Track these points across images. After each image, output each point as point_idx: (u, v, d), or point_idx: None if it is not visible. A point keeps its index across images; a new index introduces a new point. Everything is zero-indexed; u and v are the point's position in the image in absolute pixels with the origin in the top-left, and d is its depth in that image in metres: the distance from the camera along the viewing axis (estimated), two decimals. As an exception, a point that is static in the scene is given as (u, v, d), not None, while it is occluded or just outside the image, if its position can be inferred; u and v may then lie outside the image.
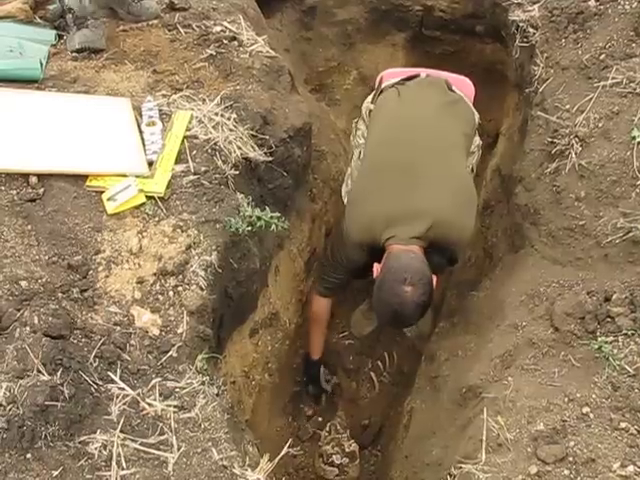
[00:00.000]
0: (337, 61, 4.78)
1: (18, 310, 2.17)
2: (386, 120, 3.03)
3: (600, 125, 2.77)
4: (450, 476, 2.28)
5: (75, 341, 2.18)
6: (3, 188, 2.47)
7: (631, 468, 2.01)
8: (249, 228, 2.63)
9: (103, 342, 2.22)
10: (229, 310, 2.78)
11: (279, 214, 2.76)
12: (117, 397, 2.13)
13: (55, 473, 1.96)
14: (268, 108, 3.02)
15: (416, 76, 3.17)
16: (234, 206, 2.62)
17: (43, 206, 2.45)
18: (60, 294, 2.27)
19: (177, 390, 2.19)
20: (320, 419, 3.71)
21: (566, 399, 2.26)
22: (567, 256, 2.77)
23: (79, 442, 2.03)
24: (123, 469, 2.00)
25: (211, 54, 3.10)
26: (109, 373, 2.17)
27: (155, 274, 2.40)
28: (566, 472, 2.05)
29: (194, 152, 2.71)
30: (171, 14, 3.28)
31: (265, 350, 3.44)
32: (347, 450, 3.44)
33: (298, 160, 3.29)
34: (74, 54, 3.03)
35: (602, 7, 3.03)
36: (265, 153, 2.93)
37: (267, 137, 2.96)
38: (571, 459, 2.08)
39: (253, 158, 2.86)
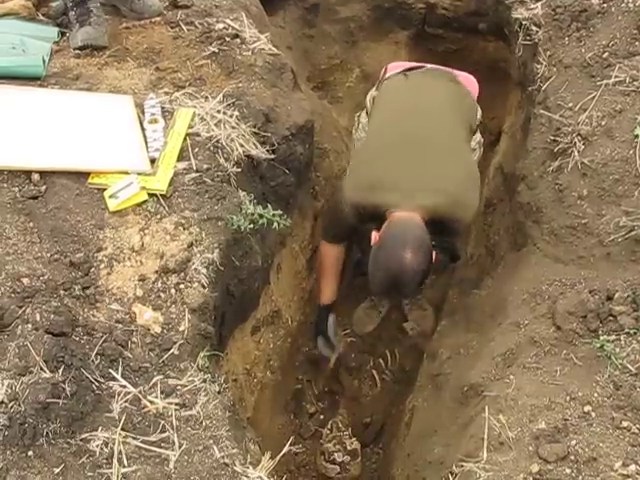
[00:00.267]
0: (340, 59, 4.78)
1: (20, 307, 2.18)
2: (395, 96, 3.04)
3: (603, 123, 2.76)
4: (451, 474, 2.28)
5: (77, 338, 2.18)
6: (5, 185, 2.47)
7: (633, 467, 2.01)
8: (251, 226, 2.63)
9: (105, 339, 2.22)
10: (231, 308, 2.78)
11: (281, 212, 2.75)
12: (119, 394, 2.13)
13: (56, 470, 1.96)
14: (270, 106, 3.02)
15: (422, 67, 3.17)
16: (236, 204, 2.62)
17: (45, 203, 2.45)
18: (62, 291, 2.27)
19: (179, 388, 2.19)
20: (322, 417, 3.71)
21: (568, 398, 2.25)
22: (569, 254, 2.76)
23: (80, 439, 2.04)
24: (124, 467, 2.00)
25: (213, 51, 3.10)
26: (111, 370, 2.17)
27: (157, 272, 2.40)
28: (568, 471, 2.05)
29: (196, 149, 2.71)
30: (174, 11, 3.28)
31: (267, 348, 3.44)
32: (349, 448, 3.43)
33: (300, 158, 3.29)
34: (77, 51, 3.03)
35: (605, 5, 3.03)
36: (267, 151, 2.93)
37: (269, 135, 2.96)
38: (573, 458, 2.08)
39: (255, 156, 2.86)
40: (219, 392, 2.24)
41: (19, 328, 2.13)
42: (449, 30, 4.50)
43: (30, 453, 1.97)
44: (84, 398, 2.08)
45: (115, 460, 2.00)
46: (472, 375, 2.72)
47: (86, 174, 2.57)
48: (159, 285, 2.38)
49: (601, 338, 2.37)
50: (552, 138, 2.90)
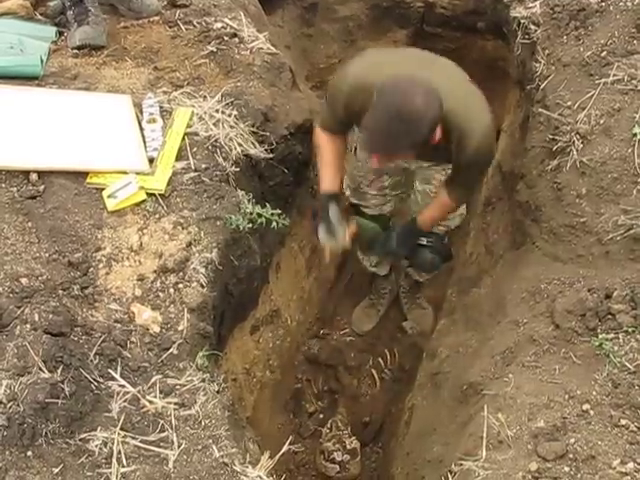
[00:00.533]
0: (338, 58, 4.77)
1: (19, 307, 2.18)
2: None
3: (601, 122, 2.76)
4: (450, 473, 2.28)
5: (75, 338, 2.18)
6: (3, 185, 2.47)
7: (631, 465, 2.01)
8: (250, 225, 2.63)
9: (104, 339, 2.22)
10: (230, 307, 2.78)
11: (280, 211, 2.76)
12: (117, 394, 2.14)
13: (55, 470, 1.96)
14: (269, 105, 3.02)
15: None
16: (235, 203, 2.62)
17: (43, 203, 2.45)
18: (61, 291, 2.27)
19: (178, 387, 2.19)
20: (321, 416, 3.71)
21: (566, 396, 2.25)
22: (568, 253, 2.76)
23: (79, 439, 2.04)
24: (123, 466, 2.00)
25: (212, 51, 3.10)
26: (109, 370, 2.17)
27: (156, 271, 2.40)
28: (566, 469, 2.05)
29: (195, 149, 2.71)
30: (172, 11, 3.28)
31: (266, 347, 3.44)
32: (348, 447, 3.44)
33: (299, 157, 3.30)
34: (75, 51, 3.03)
35: (603, 4, 3.02)
36: (266, 150, 2.93)
37: (268, 134, 2.96)
38: (571, 456, 2.08)
39: (254, 155, 2.86)
40: (218, 391, 2.24)
41: (18, 328, 2.13)
42: (448, 29, 4.49)
43: (29, 453, 1.97)
44: (83, 398, 2.08)
45: (114, 460, 2.00)
46: (471, 374, 2.73)
47: (84, 174, 2.57)
48: (158, 285, 2.38)
49: (600, 336, 2.37)
50: (551, 137, 2.90)
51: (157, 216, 2.52)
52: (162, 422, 2.11)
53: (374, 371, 3.87)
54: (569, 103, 2.88)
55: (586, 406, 2.20)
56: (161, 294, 2.37)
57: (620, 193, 2.65)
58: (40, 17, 3.16)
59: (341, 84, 2.71)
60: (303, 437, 3.64)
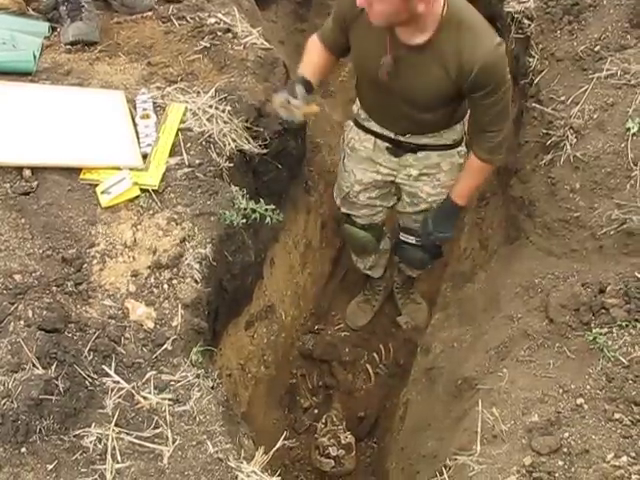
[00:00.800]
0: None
1: (12, 304, 2.17)
2: None
3: (595, 117, 2.77)
4: (445, 468, 2.29)
5: (69, 335, 2.18)
6: (-3, 181, 2.46)
7: (625, 459, 2.02)
8: (244, 221, 2.63)
9: (98, 335, 2.21)
10: (224, 303, 2.78)
11: (274, 206, 2.75)
12: (112, 390, 2.13)
13: (50, 467, 1.96)
14: (263, 100, 3.01)
15: None
16: (229, 199, 2.62)
17: (37, 199, 2.44)
18: (54, 287, 2.27)
19: (172, 383, 2.19)
20: (316, 411, 3.72)
21: (561, 390, 2.26)
22: (562, 248, 2.77)
23: (74, 436, 2.04)
24: (118, 462, 2.00)
25: (205, 46, 3.09)
26: (104, 366, 2.17)
27: (150, 267, 2.40)
28: (560, 463, 2.06)
29: (188, 145, 2.70)
30: (165, 6, 3.26)
31: (261, 342, 3.45)
32: (343, 442, 3.45)
33: (293, 152, 3.29)
34: (68, 46, 3.02)
35: (597, -2, 3.03)
36: (260, 145, 2.92)
37: (262, 129, 2.95)
38: (565, 450, 2.08)
39: (248, 150, 2.86)
40: (213, 387, 2.24)
41: (11, 325, 2.13)
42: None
43: (23, 450, 1.97)
44: (77, 394, 2.07)
45: (109, 456, 2.00)
46: (466, 369, 2.73)
47: (78, 170, 2.56)
48: (152, 281, 2.38)
49: (594, 331, 2.38)
50: (544, 131, 2.90)
51: (151, 212, 2.51)
52: (156, 418, 2.11)
53: (369, 366, 3.87)
54: (563, 98, 2.89)
55: (580, 400, 2.21)
56: (155, 290, 2.37)
57: (614, 187, 2.66)
58: (33, 13, 3.15)
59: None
60: (298, 432, 3.64)
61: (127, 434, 2.06)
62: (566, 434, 2.12)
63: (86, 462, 2.00)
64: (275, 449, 2.23)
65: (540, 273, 2.73)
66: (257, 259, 3.04)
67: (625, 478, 1.98)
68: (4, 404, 1.96)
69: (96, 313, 2.28)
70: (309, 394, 3.78)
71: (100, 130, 2.69)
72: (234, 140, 2.78)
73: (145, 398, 2.14)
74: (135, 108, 2.78)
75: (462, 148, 3.04)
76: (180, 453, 2.06)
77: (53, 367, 2.06)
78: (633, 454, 2.03)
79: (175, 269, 2.41)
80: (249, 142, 2.87)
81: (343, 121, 3.40)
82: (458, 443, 2.37)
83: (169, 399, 2.15)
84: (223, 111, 2.81)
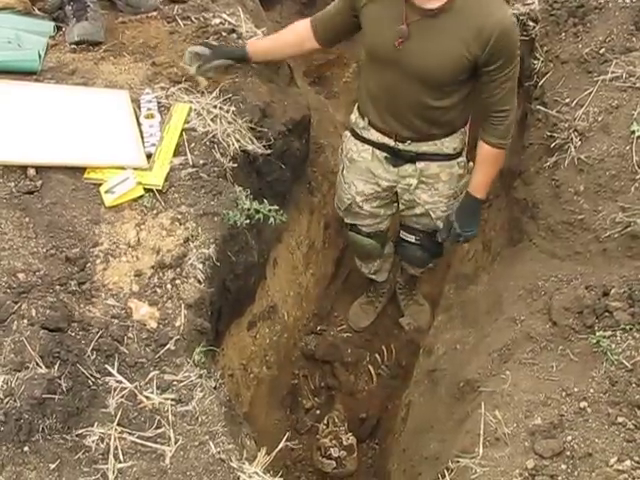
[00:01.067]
0: (336, 54, 4.78)
1: (16, 303, 2.17)
2: None
3: (599, 119, 2.76)
4: (447, 470, 2.28)
5: (73, 334, 2.18)
6: (1, 180, 2.46)
7: (628, 463, 2.01)
8: (247, 221, 2.63)
9: (101, 335, 2.21)
10: (227, 303, 2.78)
11: (277, 207, 2.75)
12: (114, 390, 2.13)
13: (52, 466, 1.96)
14: (267, 101, 3.01)
15: None
16: (232, 199, 2.61)
17: (41, 198, 2.44)
18: (58, 287, 2.26)
19: (175, 383, 2.19)
20: (318, 412, 3.72)
21: (564, 393, 2.26)
22: (566, 250, 2.77)
23: (76, 435, 2.03)
24: (120, 462, 2.00)
25: (210, 46, 3.09)
26: (107, 366, 2.17)
27: (153, 267, 2.40)
28: (563, 466, 2.06)
29: (192, 145, 2.70)
30: (170, 6, 3.27)
31: (263, 343, 3.45)
32: (345, 443, 3.44)
33: (297, 153, 3.29)
34: (73, 46, 3.02)
35: (602, 1, 3.01)
36: (264, 146, 2.92)
37: (266, 130, 2.95)
38: (568, 453, 2.08)
39: (252, 151, 2.86)
40: (215, 387, 2.24)
41: (15, 323, 2.13)
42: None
43: (26, 449, 1.97)
44: (80, 394, 2.07)
45: (111, 456, 2.00)
46: (468, 371, 2.73)
47: (82, 169, 2.57)
48: (155, 280, 2.38)
49: (597, 334, 2.38)
50: (549, 134, 2.90)
51: (155, 212, 2.51)
52: (159, 418, 2.11)
53: (371, 367, 3.87)
54: (567, 100, 2.88)
55: (583, 403, 2.20)
56: (158, 290, 2.37)
57: (618, 190, 2.65)
58: (38, 12, 3.15)
59: None
60: (300, 433, 3.64)
61: (129, 434, 2.06)
62: (569, 437, 2.11)
63: (88, 461, 1.99)
64: (277, 450, 2.23)
65: (543, 275, 2.72)
66: (260, 259, 3.04)
67: (628, 482, 1.98)
68: (7, 403, 1.96)
69: (99, 312, 2.28)
70: (311, 395, 3.78)
71: (104, 130, 2.69)
72: (238, 140, 2.78)
73: (148, 398, 2.13)
74: (139, 108, 2.78)
75: (462, 159, 3.04)
76: (182, 453, 2.05)
77: (56, 366, 2.06)
78: (636, 458, 2.02)
79: (178, 269, 2.41)
80: (253, 142, 2.87)
81: (346, 122, 3.40)
82: (460, 445, 2.36)
83: (172, 399, 2.15)
84: (227, 111, 2.81)
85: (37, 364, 2.03)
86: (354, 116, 3.09)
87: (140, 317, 2.30)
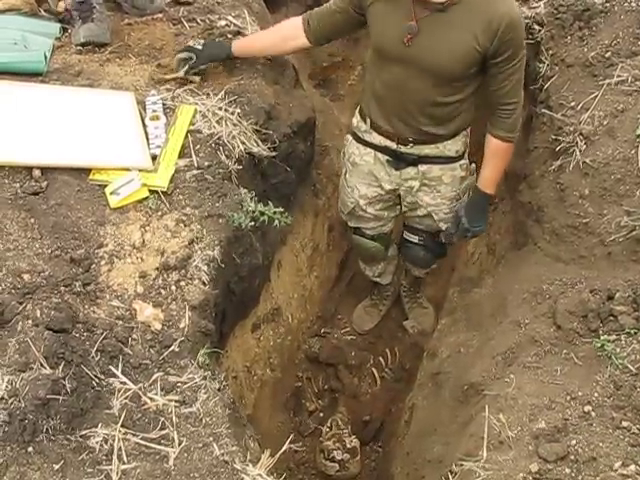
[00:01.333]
0: (341, 56, 4.78)
1: (20, 303, 2.18)
2: None
3: (605, 123, 2.76)
4: (451, 473, 2.28)
5: (77, 335, 2.18)
6: (6, 181, 2.47)
7: (633, 467, 2.01)
8: (252, 223, 2.63)
9: (105, 336, 2.21)
10: (231, 305, 2.78)
11: (282, 209, 2.75)
12: (119, 391, 2.13)
13: (56, 467, 1.96)
14: (272, 103, 3.01)
15: None
16: (237, 201, 2.62)
17: (46, 199, 2.45)
18: (62, 288, 2.27)
19: (179, 385, 2.19)
20: (321, 415, 3.72)
21: (568, 397, 2.25)
22: (570, 254, 2.76)
23: (80, 436, 2.04)
24: (124, 463, 2.00)
25: (216, 49, 3.09)
26: (111, 367, 2.17)
27: (158, 268, 2.40)
28: (567, 470, 2.05)
29: (198, 146, 2.71)
30: (176, 8, 3.27)
31: (267, 345, 3.45)
32: (348, 446, 3.44)
33: (302, 155, 3.29)
34: (78, 47, 3.02)
35: (608, 4, 3.01)
36: (269, 148, 2.92)
37: (271, 132, 2.95)
38: (572, 457, 2.07)
39: (257, 153, 2.86)
40: (219, 389, 2.24)
41: (19, 324, 2.13)
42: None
43: (30, 449, 1.97)
44: (84, 394, 2.07)
45: (115, 457, 2.00)
46: (472, 374, 2.73)
47: (87, 170, 2.57)
48: (160, 282, 2.38)
49: (602, 338, 2.37)
50: (554, 137, 2.90)
51: (159, 213, 2.52)
52: (163, 419, 2.11)
53: (375, 370, 3.87)
54: (573, 104, 2.88)
55: (587, 407, 2.20)
56: (163, 291, 2.37)
57: (623, 194, 2.65)
58: (44, 13, 3.16)
59: None
60: (303, 435, 3.64)
61: (133, 435, 2.06)
62: (573, 441, 2.11)
63: (92, 462, 2.00)
64: (281, 452, 2.23)
65: (548, 279, 2.72)
66: (265, 262, 3.04)
67: (632, 487, 1.97)
68: (11, 403, 1.96)
69: (104, 314, 2.28)
70: (315, 397, 3.78)
71: (110, 131, 2.69)
72: (243, 142, 2.79)
73: (152, 399, 2.14)
74: (145, 109, 2.79)
75: (464, 161, 3.04)
76: (186, 455, 2.05)
77: (60, 367, 2.06)
78: (641, 462, 2.02)
79: (183, 271, 2.41)
80: (258, 145, 2.87)
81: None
82: (464, 449, 2.36)
83: (176, 400, 2.15)
84: (232, 113, 2.81)
85: (41, 365, 2.04)
86: (356, 119, 3.10)
87: (144, 318, 2.30)
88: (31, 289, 2.21)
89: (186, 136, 2.72)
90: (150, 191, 2.54)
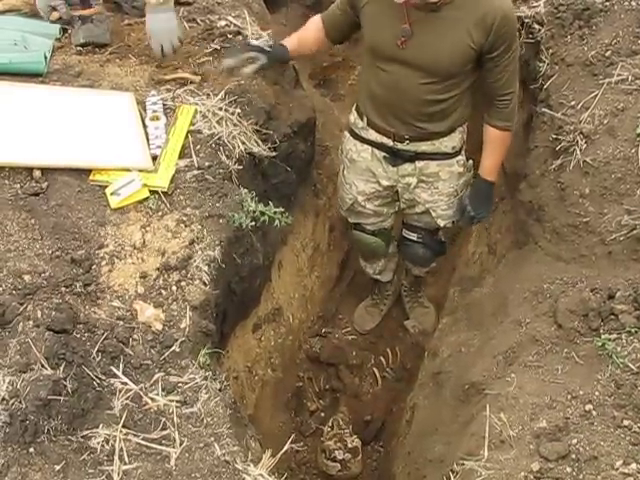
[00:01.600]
0: (341, 56, 4.78)
1: (21, 304, 2.18)
2: None
3: (605, 122, 2.76)
4: (452, 472, 2.28)
5: (78, 335, 2.18)
6: (7, 182, 2.47)
7: (634, 466, 2.01)
8: (253, 223, 2.63)
9: (106, 336, 2.21)
10: (232, 305, 2.78)
11: (283, 209, 2.75)
12: (120, 392, 2.13)
13: (57, 467, 1.96)
14: (272, 103, 3.01)
15: None
16: (238, 201, 2.62)
17: (47, 200, 2.45)
18: (63, 288, 2.27)
19: (180, 385, 2.19)
20: (323, 414, 3.72)
21: (569, 396, 2.25)
22: (571, 253, 2.76)
23: (81, 436, 2.04)
24: (125, 464, 2.00)
25: (215, 48, 3.09)
26: (112, 367, 2.17)
27: (158, 269, 2.40)
28: (568, 469, 2.05)
29: (198, 147, 2.71)
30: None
31: (268, 345, 3.45)
32: (349, 446, 3.44)
33: (302, 155, 3.30)
34: (78, 48, 3.02)
35: (608, 3, 3.01)
36: (269, 148, 2.93)
37: (271, 132, 2.96)
38: (574, 456, 2.08)
39: (257, 153, 2.86)
40: (220, 389, 2.24)
41: (20, 325, 2.13)
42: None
43: (31, 450, 1.97)
44: (85, 395, 2.07)
45: (116, 457, 2.00)
46: (473, 373, 2.73)
47: (88, 171, 2.57)
48: (160, 282, 2.38)
49: (602, 337, 2.37)
50: (554, 136, 2.90)
51: (160, 214, 2.52)
52: (164, 420, 2.11)
53: (376, 370, 3.87)
54: (573, 103, 2.88)
55: (589, 406, 2.20)
56: (163, 292, 2.37)
57: (624, 193, 2.65)
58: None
59: None
60: (304, 435, 3.64)
61: (134, 435, 2.06)
62: (574, 440, 2.11)
63: (93, 463, 2.00)
64: (282, 452, 2.23)
65: (549, 278, 2.72)
66: (265, 262, 3.04)
67: (634, 485, 1.97)
68: (12, 404, 1.96)
69: (104, 314, 2.28)
70: (316, 397, 3.78)
71: (110, 132, 2.69)
72: (243, 143, 2.79)
73: (153, 400, 2.14)
74: (145, 110, 2.79)
75: (461, 157, 3.06)
76: (187, 455, 2.05)
77: (61, 368, 2.06)
78: (642, 461, 2.02)
79: (184, 271, 2.41)
80: (258, 145, 2.87)
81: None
82: (465, 448, 2.36)
83: (177, 401, 2.15)
84: (233, 114, 2.81)
85: (42, 365, 2.04)
86: (353, 116, 3.11)
87: (145, 319, 2.30)
88: (32, 290, 2.22)
89: (186, 136, 2.72)
90: (150, 191, 2.54)
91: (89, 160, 2.59)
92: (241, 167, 2.75)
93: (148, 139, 2.70)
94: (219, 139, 2.73)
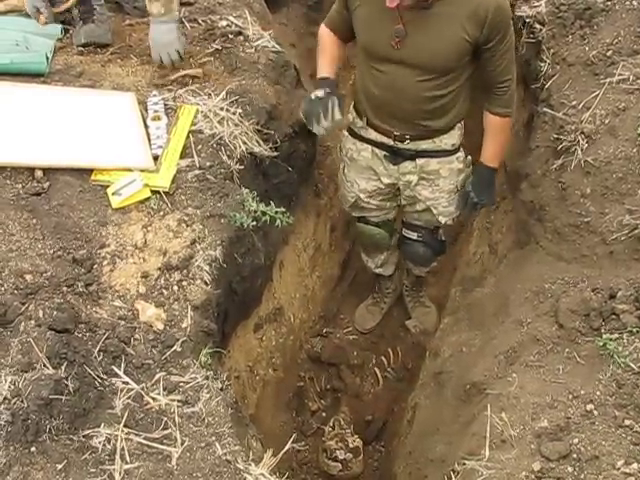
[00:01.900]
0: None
1: (23, 304, 2.18)
2: None
3: (606, 122, 2.75)
4: (453, 472, 2.28)
5: (80, 335, 2.19)
6: (8, 182, 2.47)
7: (635, 466, 2.01)
8: (254, 223, 2.63)
9: (107, 336, 2.22)
10: (233, 305, 2.78)
11: (284, 209, 2.75)
12: (121, 391, 2.14)
13: (59, 467, 1.97)
14: (273, 103, 3.02)
15: None
16: (239, 201, 2.62)
17: (48, 200, 2.45)
18: (65, 288, 2.27)
19: (181, 384, 2.19)
20: (324, 414, 3.71)
21: (570, 396, 2.25)
22: (572, 253, 2.76)
23: (83, 436, 2.04)
24: (127, 463, 2.00)
25: (217, 49, 3.10)
26: (113, 367, 2.18)
27: (160, 268, 2.40)
28: (570, 469, 2.05)
29: (199, 147, 2.71)
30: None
31: (269, 345, 3.45)
32: (351, 445, 3.44)
33: (303, 155, 3.30)
34: (80, 48, 3.03)
35: (609, 3, 3.01)
36: (270, 148, 2.93)
37: (272, 132, 2.96)
38: (575, 456, 2.07)
39: (258, 153, 2.86)
40: (221, 389, 2.24)
41: (22, 324, 2.13)
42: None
43: (33, 449, 1.98)
44: (87, 394, 2.08)
45: (117, 456, 2.01)
46: (474, 373, 2.73)
47: (89, 171, 2.57)
48: (162, 282, 2.39)
49: (604, 336, 2.37)
50: (555, 136, 2.89)
51: (161, 213, 2.52)
52: (165, 419, 2.11)
53: (377, 370, 3.87)
54: (574, 102, 2.88)
55: (590, 406, 2.20)
56: (165, 291, 2.37)
57: (625, 193, 2.65)
58: (45, 15, 3.16)
59: None
60: (306, 435, 3.64)
61: (136, 435, 2.07)
62: (576, 440, 2.11)
63: (95, 462, 2.00)
64: (283, 452, 2.23)
65: (550, 278, 2.72)
66: (267, 262, 3.04)
67: (635, 485, 1.97)
68: (14, 403, 1.97)
69: (106, 314, 2.28)
70: (317, 397, 3.78)
71: (111, 132, 2.70)
72: (245, 142, 2.79)
73: (154, 399, 2.14)
74: (146, 110, 2.79)
75: (461, 154, 3.06)
76: (189, 454, 2.06)
77: (63, 367, 2.06)
78: (643, 461, 2.02)
79: (185, 271, 2.42)
80: (260, 145, 2.87)
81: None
82: (467, 448, 2.36)
83: (178, 400, 2.15)
84: (234, 113, 2.82)
85: (44, 365, 2.04)
86: (351, 115, 3.11)
87: (147, 318, 2.30)
88: (33, 289, 2.22)
89: (188, 136, 2.72)
90: (152, 191, 2.55)
91: (91, 160, 2.59)
92: (242, 167, 2.75)
93: (149, 139, 2.70)
94: (220, 139, 2.74)
